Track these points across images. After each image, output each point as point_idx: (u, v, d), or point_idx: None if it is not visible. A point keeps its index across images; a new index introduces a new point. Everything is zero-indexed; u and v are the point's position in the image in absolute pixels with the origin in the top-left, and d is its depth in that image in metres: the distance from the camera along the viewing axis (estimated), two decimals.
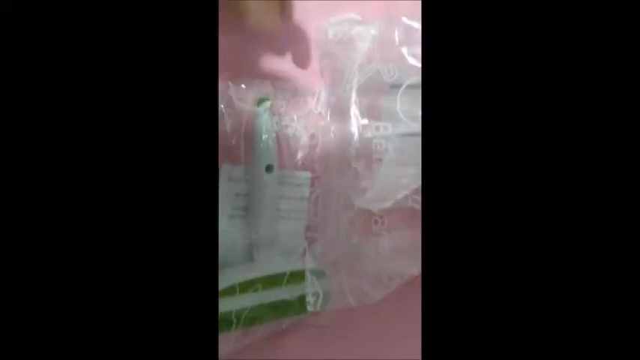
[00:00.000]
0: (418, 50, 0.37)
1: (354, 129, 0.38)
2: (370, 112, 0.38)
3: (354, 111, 0.37)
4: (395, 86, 0.37)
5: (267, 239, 0.37)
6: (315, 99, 0.38)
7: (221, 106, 0.37)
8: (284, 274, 0.36)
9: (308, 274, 0.36)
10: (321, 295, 0.36)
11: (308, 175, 0.38)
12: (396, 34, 0.37)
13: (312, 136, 0.38)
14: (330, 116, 0.38)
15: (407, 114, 0.37)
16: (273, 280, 0.35)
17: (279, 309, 0.35)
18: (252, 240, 0.37)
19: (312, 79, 0.38)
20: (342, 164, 0.38)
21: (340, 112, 0.38)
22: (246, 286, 0.35)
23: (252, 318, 0.35)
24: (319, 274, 0.36)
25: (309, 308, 0.36)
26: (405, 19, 0.37)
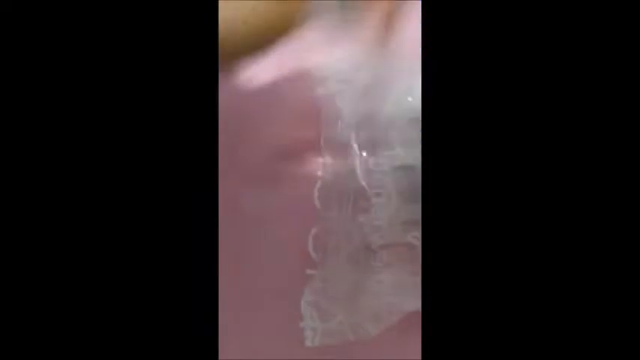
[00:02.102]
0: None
1: (353, 164, 0.38)
2: (369, 146, 0.38)
3: (352, 146, 0.38)
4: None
5: None
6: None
7: None
8: None
9: (307, 309, 0.37)
10: (319, 330, 0.36)
11: None
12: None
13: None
14: (329, 151, 0.39)
15: (406, 148, 0.37)
16: None
17: None
18: None
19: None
20: (340, 200, 0.38)
21: (338, 147, 0.38)
22: None
23: None
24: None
25: (307, 343, 0.36)
26: None
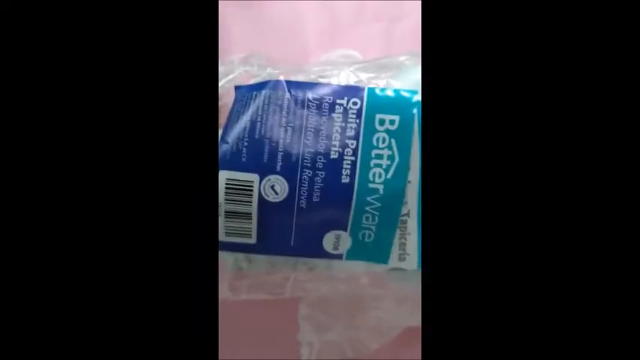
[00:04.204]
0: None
1: None
2: None
3: None
4: None
5: None
6: None
7: None
8: None
9: (303, 323, 0.34)
10: (316, 345, 0.34)
11: None
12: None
13: None
14: None
15: None
16: None
17: None
18: None
19: None
20: None
21: None
22: None
23: None
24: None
25: (303, 359, 0.34)
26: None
